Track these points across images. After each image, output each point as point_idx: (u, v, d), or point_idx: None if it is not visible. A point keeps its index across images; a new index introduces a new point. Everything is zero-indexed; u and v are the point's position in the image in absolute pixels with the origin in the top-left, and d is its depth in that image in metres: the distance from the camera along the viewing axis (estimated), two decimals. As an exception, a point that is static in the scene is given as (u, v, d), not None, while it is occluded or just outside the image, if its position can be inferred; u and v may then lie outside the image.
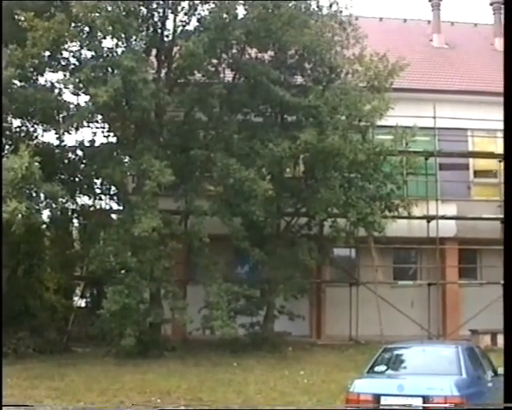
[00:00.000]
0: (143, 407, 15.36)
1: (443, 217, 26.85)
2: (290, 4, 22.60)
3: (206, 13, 22.32)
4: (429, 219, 26.73)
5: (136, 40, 22.02)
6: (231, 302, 21.97)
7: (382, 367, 12.85)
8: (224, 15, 21.39)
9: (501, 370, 14.19)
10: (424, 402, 11.33)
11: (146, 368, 19.46)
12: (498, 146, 28.62)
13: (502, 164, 27.89)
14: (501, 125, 31.49)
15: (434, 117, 27.08)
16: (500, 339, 24.29)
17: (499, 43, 33.61)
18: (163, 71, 23.08)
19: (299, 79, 24.53)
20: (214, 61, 23.13)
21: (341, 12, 24.06)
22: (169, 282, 21.72)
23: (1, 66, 19.83)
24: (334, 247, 26.26)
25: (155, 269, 21.13)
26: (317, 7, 24.02)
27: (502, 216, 27.02)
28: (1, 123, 20.01)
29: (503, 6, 34.23)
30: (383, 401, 11.60)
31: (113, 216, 24.93)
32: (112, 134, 24.20)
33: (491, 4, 34.77)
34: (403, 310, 25.98)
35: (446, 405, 11.20)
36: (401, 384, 11.71)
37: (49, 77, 23.04)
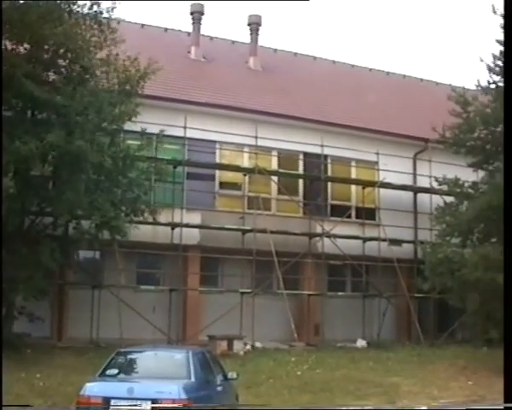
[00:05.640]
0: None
1: (187, 225, 27.55)
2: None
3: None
4: (174, 226, 27.30)
5: None
6: (-32, 302, 21.15)
7: (114, 371, 13.04)
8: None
9: (231, 374, 14.98)
10: (153, 405, 11.69)
11: None
12: (244, 160, 29.95)
13: (246, 177, 29.30)
14: (248, 141, 32.79)
15: (185, 127, 27.73)
16: (236, 345, 25.41)
17: (253, 62, 35.22)
18: None
19: (53, 76, 24.02)
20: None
21: (102, 13, 23.86)
22: None
23: (1, 65, 18.74)
24: (79, 249, 25.94)
25: None
26: (78, 5, 23.73)
27: (244, 227, 28.29)
28: (1, 123, 18.72)
29: (260, 27, 35.99)
30: (113, 403, 11.82)
31: None
32: None
33: (249, 25, 36.29)
34: (145, 314, 26.23)
35: (175, 405, 11.64)
36: (131, 387, 11.99)
37: None
